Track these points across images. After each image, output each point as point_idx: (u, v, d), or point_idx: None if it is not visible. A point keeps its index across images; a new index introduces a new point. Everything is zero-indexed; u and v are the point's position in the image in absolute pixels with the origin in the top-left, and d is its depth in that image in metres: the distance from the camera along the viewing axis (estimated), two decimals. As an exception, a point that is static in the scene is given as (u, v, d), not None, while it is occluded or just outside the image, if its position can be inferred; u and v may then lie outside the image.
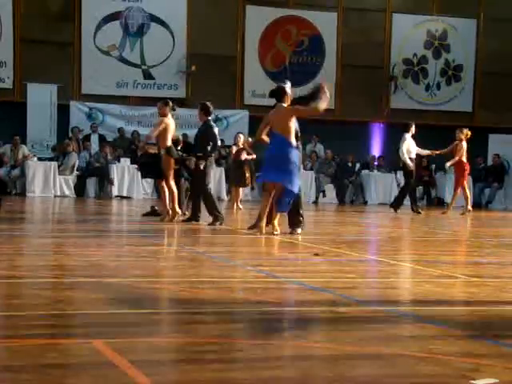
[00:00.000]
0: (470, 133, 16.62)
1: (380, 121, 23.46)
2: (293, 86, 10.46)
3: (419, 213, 16.42)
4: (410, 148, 16.31)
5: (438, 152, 17.04)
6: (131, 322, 4.41)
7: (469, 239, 11.38)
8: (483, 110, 24.10)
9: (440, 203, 21.36)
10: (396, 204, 16.80)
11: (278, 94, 10.12)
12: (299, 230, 10.19)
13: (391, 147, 20.29)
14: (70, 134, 20.50)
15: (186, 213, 12.39)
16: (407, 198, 16.92)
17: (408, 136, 16.30)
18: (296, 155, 9.98)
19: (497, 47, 23.78)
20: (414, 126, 16.47)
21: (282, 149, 9.85)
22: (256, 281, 6.14)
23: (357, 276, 6.67)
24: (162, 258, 7.33)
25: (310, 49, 23.05)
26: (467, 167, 16.85)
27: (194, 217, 11.66)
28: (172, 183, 11.73)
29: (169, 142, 11.69)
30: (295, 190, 9.94)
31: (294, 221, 10.26)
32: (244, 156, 16.02)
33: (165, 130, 11.63)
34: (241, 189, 16.63)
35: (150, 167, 11.83)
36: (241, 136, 16.63)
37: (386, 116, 23.29)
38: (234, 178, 16.50)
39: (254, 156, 15.70)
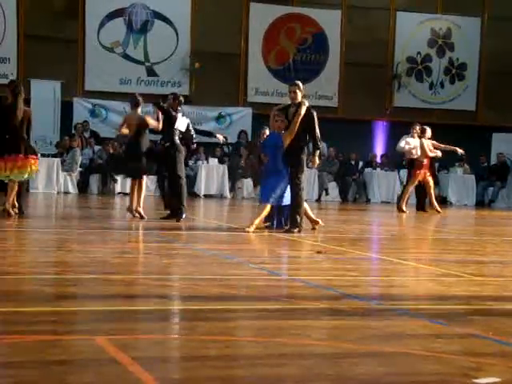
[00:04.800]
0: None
1: (383, 119, 23.44)
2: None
3: (426, 211, 16.37)
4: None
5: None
6: (134, 319, 4.41)
7: (471, 238, 11.37)
8: (487, 108, 24.07)
9: (443, 202, 21.34)
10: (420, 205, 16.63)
11: None
12: (295, 230, 9.95)
13: (394, 146, 20.21)
14: (73, 131, 20.51)
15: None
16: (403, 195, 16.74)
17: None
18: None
19: (501, 46, 23.73)
20: (417, 128, 16.28)
21: None
22: (258, 278, 6.14)
23: (359, 274, 6.67)
24: (165, 255, 7.33)
25: (314, 46, 23.03)
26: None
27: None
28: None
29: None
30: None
31: (291, 220, 10.10)
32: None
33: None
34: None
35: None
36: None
37: (389, 114, 23.27)
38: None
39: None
